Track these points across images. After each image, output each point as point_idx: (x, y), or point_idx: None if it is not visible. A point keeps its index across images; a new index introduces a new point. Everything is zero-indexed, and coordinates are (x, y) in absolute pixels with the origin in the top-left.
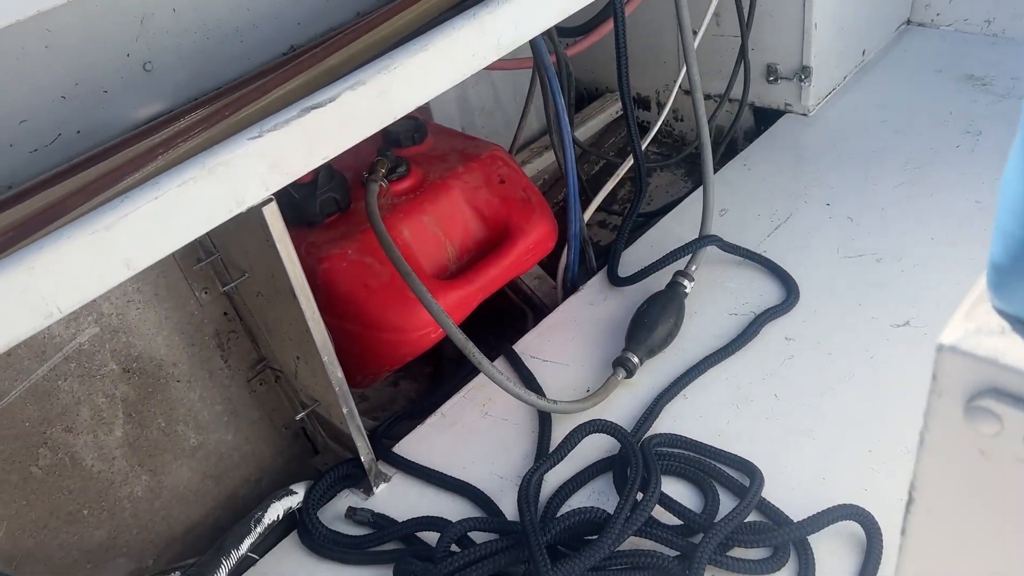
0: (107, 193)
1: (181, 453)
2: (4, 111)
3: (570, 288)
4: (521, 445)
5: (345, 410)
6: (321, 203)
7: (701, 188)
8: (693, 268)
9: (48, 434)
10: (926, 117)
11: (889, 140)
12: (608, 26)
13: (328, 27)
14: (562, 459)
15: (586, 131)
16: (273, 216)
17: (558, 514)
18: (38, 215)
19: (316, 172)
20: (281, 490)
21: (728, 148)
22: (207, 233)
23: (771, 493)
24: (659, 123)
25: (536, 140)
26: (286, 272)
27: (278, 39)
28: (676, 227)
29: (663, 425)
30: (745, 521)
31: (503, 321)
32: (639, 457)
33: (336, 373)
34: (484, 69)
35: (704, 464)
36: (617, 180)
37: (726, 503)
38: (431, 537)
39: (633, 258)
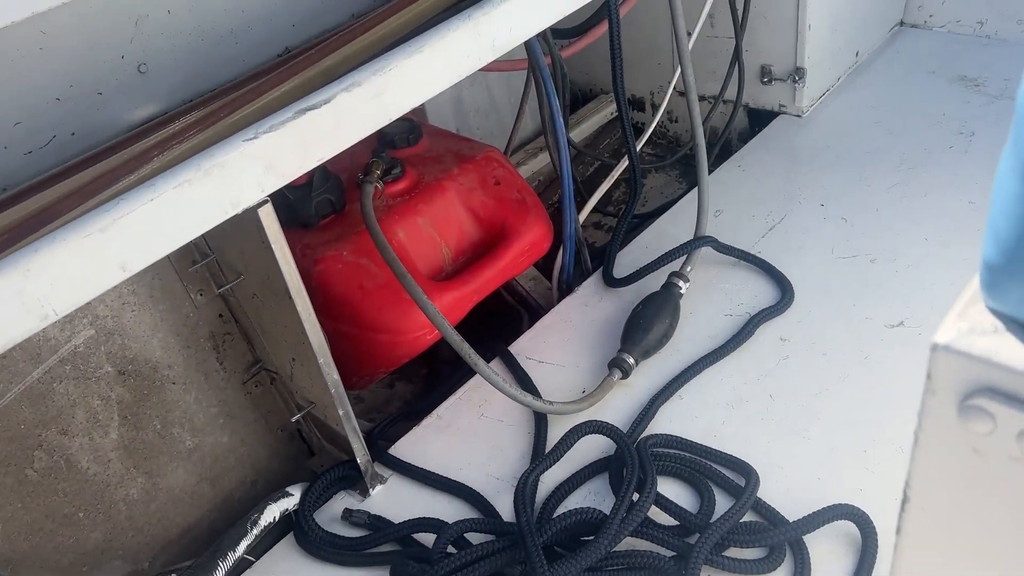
0: (102, 195)
1: (177, 455)
2: None
3: (565, 289)
4: (517, 446)
5: (341, 412)
6: (316, 205)
7: (696, 189)
8: (688, 269)
9: (43, 437)
10: (919, 118)
11: (883, 141)
12: (603, 28)
13: (323, 29)
14: (558, 460)
15: (581, 132)
16: (268, 218)
17: (554, 515)
18: (33, 217)
19: (311, 174)
20: (277, 492)
21: (723, 149)
22: (202, 235)
23: (767, 493)
24: (654, 124)
25: (531, 141)
26: (282, 274)
27: (273, 41)
28: (671, 228)
29: (659, 426)
30: (741, 521)
31: (499, 322)
32: (635, 458)
33: (332, 375)
34: (479, 70)
35: (700, 464)
36: (612, 181)
37: (722, 503)
38: (428, 539)
39: (628, 259)
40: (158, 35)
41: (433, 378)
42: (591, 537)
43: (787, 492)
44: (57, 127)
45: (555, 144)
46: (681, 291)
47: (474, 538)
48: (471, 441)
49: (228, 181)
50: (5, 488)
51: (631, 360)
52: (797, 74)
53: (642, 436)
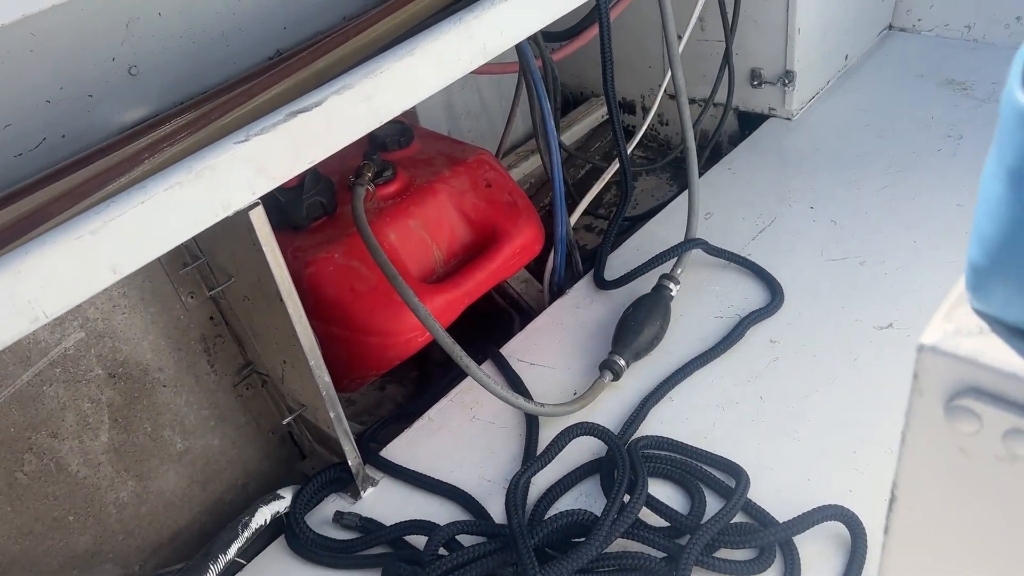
0: (93, 197)
1: (167, 458)
2: None
3: (557, 291)
4: (508, 448)
5: (332, 414)
6: (307, 207)
7: (686, 192)
8: (679, 271)
9: (33, 440)
10: (908, 121)
11: (872, 144)
12: (593, 31)
13: (315, 31)
14: (549, 462)
15: (572, 135)
16: (260, 220)
17: (546, 517)
18: (23, 219)
19: (303, 176)
20: (268, 494)
21: (713, 152)
22: (193, 237)
23: (757, 494)
24: (644, 127)
25: (522, 144)
26: (273, 276)
27: (264, 43)
28: (661, 231)
29: (650, 427)
30: (731, 522)
31: (490, 325)
32: (626, 459)
33: (323, 377)
34: (470, 73)
35: (690, 466)
36: (603, 184)
37: (712, 504)
38: (419, 541)
39: (619, 261)
40: (149, 37)
41: (424, 380)
42: (583, 539)
43: (777, 493)
44: (47, 129)
45: (546, 147)
46: (672, 293)
47: (466, 540)
48: (462, 443)
49: (219, 183)
50: None
51: (622, 362)
52: (787, 77)
53: (633, 438)
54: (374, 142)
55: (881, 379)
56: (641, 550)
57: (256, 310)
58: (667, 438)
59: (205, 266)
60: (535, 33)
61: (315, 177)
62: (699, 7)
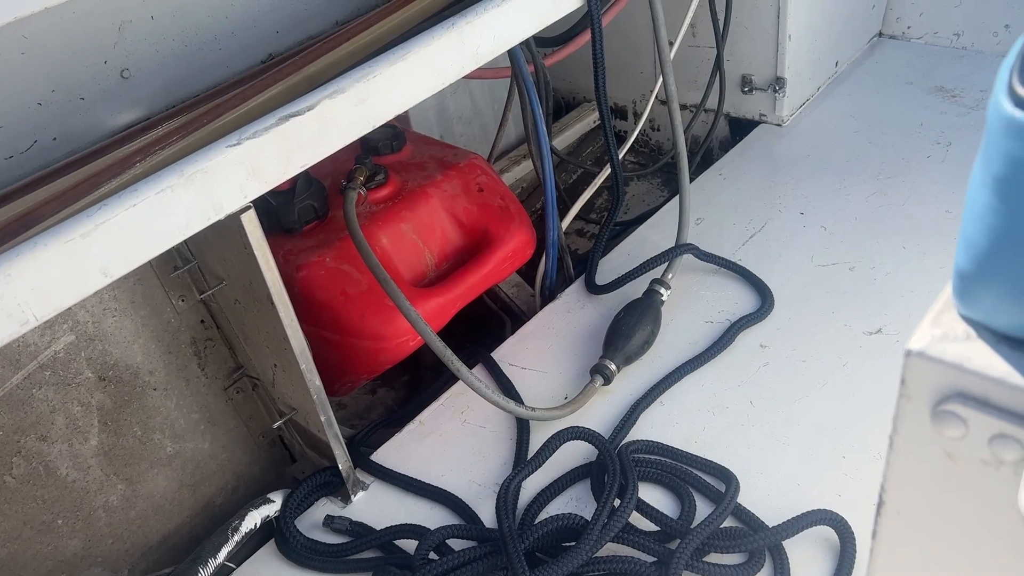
0: (84, 200)
1: (157, 462)
2: None
3: (548, 296)
4: (499, 452)
5: (323, 418)
6: (299, 211)
7: (677, 197)
8: (669, 276)
9: (22, 443)
10: (897, 128)
11: (862, 150)
12: (585, 36)
13: (307, 35)
14: (540, 466)
15: (564, 140)
16: (251, 224)
17: (536, 521)
18: (14, 222)
19: (294, 180)
20: (258, 498)
21: (704, 158)
22: (185, 241)
23: (746, 499)
24: (636, 133)
25: (514, 149)
26: (264, 280)
27: (257, 47)
28: (653, 236)
29: (640, 432)
30: (721, 527)
31: (481, 329)
32: (616, 464)
33: (314, 381)
34: (463, 78)
35: (680, 470)
36: (594, 189)
37: (702, 509)
38: (409, 545)
39: (610, 266)
40: (141, 40)
41: (415, 384)
42: (573, 543)
43: (767, 497)
44: (39, 132)
45: (538, 151)
46: (663, 298)
47: (456, 544)
48: (453, 447)
49: (211, 187)
50: None
51: (613, 366)
52: (777, 84)
53: (623, 442)
54: (366, 146)
55: (870, 384)
56: (631, 554)
57: (247, 313)
58: (657, 442)
59: (196, 269)
60: (527, 38)
61: (307, 181)
62: (690, 13)
